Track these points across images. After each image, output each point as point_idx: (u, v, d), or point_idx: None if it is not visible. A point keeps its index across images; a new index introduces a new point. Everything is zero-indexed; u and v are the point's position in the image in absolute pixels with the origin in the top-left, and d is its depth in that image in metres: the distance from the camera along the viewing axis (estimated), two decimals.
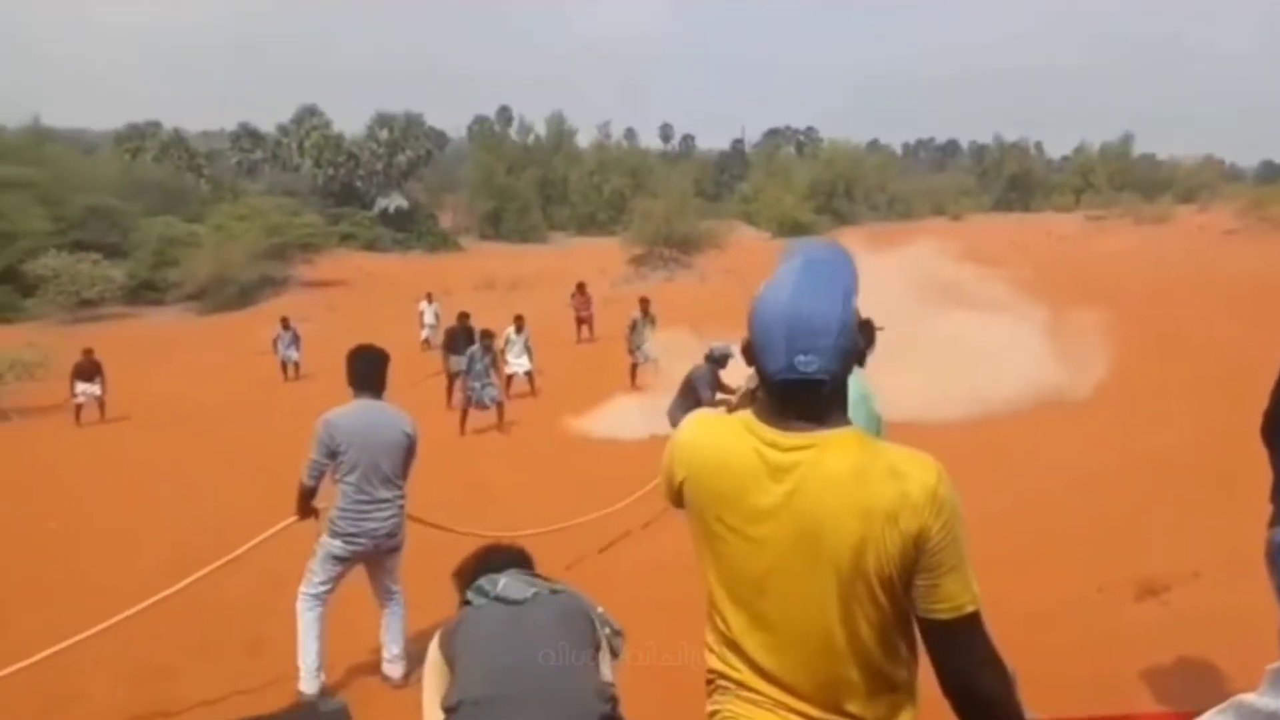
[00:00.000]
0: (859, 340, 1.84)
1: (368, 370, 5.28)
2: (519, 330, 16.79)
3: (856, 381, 1.93)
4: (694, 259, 38.71)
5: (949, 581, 1.69)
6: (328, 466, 5.16)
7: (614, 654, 3.01)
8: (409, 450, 5.30)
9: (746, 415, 1.86)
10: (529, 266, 42.63)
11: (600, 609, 3.08)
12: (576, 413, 14.18)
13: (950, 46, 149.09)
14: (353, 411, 5.19)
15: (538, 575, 3.22)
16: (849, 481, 1.72)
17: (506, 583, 3.03)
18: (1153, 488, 8.15)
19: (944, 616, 1.71)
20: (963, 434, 10.92)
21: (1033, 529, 7.44)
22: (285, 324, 21.73)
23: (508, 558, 3.26)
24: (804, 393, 1.76)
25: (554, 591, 3.06)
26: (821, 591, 1.75)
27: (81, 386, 17.93)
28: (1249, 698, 1.24)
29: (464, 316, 17.66)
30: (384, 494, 5.21)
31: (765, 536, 1.79)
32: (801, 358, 1.74)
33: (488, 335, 14.82)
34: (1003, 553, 6.12)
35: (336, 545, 5.16)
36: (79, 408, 17.78)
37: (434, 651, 2.90)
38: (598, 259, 41.09)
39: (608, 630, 3.02)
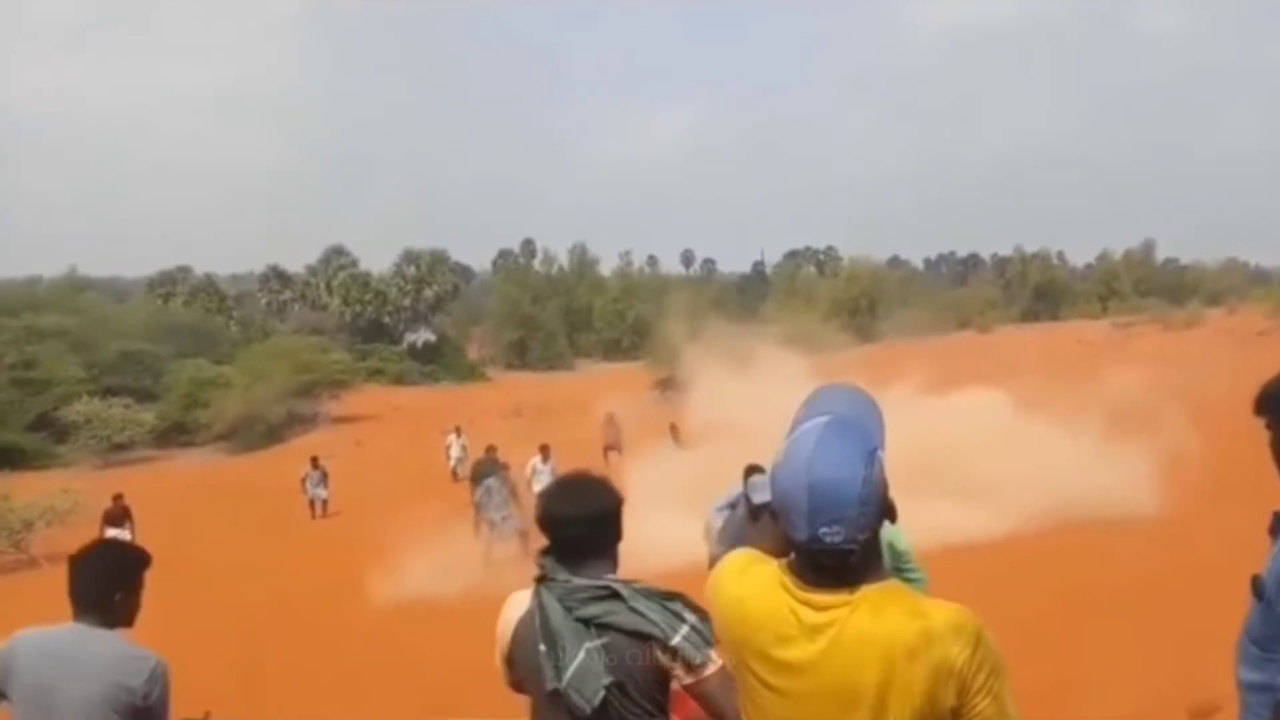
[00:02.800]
0: (889, 501, 1.80)
1: (89, 584, 3.28)
2: (545, 459, 16.46)
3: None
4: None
5: None
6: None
7: None
8: (130, 715, 3.03)
9: (781, 568, 1.83)
10: (556, 394, 42.62)
11: None
12: None
13: (966, 162, 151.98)
14: (47, 641, 3.15)
15: None
16: (878, 633, 1.70)
17: None
18: (1201, 601, 7.75)
19: None
20: (1002, 551, 10.79)
21: (1079, 646, 7.22)
22: (315, 463, 21.68)
23: None
24: (832, 561, 1.73)
25: None
26: None
27: (111, 532, 17.66)
28: None
29: (491, 450, 17.36)
30: None
31: (799, 692, 1.77)
32: (826, 529, 1.71)
33: (503, 466, 14.63)
34: (1048, 670, 5.95)
35: None
36: None
37: None
38: (624, 383, 41.05)
39: None
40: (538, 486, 16.09)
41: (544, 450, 16.69)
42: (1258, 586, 2.39)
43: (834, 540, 1.70)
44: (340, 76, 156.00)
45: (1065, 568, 10.16)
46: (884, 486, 1.77)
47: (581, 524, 2.55)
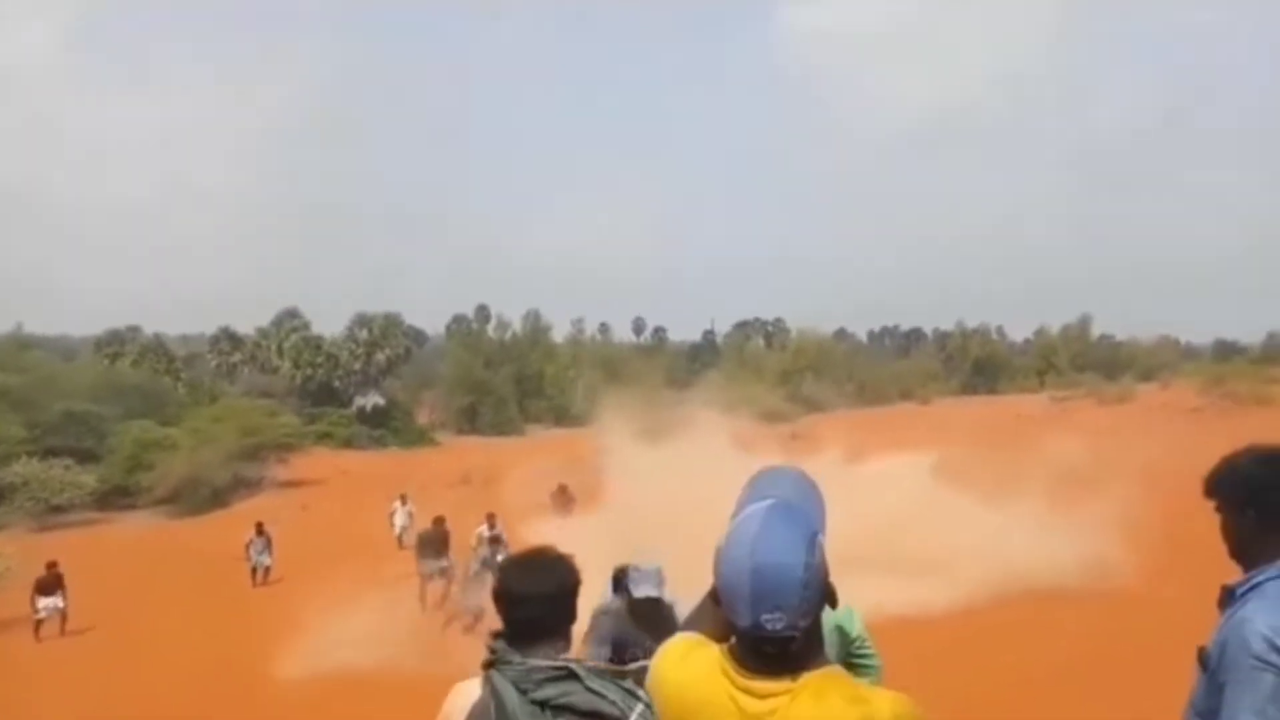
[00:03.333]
0: (830, 586, 1.80)
1: None
2: (491, 527, 16.74)
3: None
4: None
5: None
6: None
7: None
8: None
9: (722, 655, 1.83)
10: (505, 460, 42.71)
11: None
12: None
13: (911, 239, 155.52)
14: None
15: None
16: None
17: None
18: (1147, 674, 8.13)
19: None
20: (949, 625, 11.08)
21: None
22: (259, 529, 21.54)
23: None
24: (774, 648, 1.73)
25: None
26: None
27: (43, 602, 17.59)
28: None
29: (439, 521, 17.50)
30: None
31: None
32: (768, 616, 1.71)
33: (446, 535, 14.71)
34: None
35: None
36: (39, 623, 17.41)
37: None
38: (572, 449, 41.28)
39: None
40: (483, 552, 16.33)
41: (490, 519, 16.98)
42: (1203, 658, 2.46)
43: (776, 627, 1.70)
44: (298, 141, 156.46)
45: (1012, 642, 10.46)
46: (825, 571, 1.77)
47: (540, 603, 2.52)
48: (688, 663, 1.86)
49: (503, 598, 2.57)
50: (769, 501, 1.83)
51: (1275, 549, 2.47)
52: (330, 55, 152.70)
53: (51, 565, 18.05)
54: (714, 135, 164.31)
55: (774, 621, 1.70)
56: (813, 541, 1.77)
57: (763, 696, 1.74)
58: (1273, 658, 2.31)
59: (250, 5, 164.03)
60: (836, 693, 1.73)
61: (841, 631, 3.56)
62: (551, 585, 2.55)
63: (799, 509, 1.85)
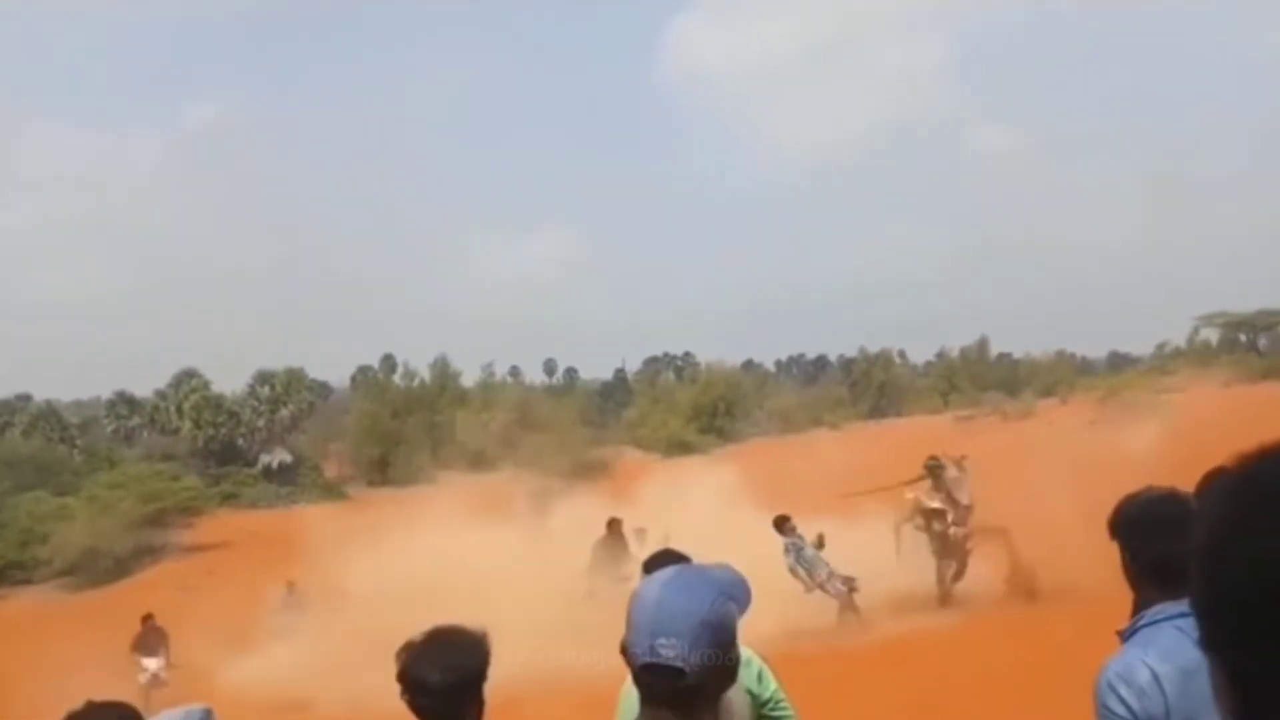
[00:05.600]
0: (732, 653, 1.79)
1: None
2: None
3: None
4: (584, 487, 38.96)
5: None
6: None
7: None
8: None
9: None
10: (418, 511, 41.99)
11: None
12: None
13: (812, 270, 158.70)
14: None
15: None
16: None
17: None
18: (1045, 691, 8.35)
19: None
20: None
21: None
22: (146, 623, 17.55)
23: None
24: (664, 682, 1.72)
25: None
26: None
27: (148, 662, 16.02)
28: None
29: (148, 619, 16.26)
30: None
31: None
32: (662, 641, 1.71)
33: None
34: None
35: None
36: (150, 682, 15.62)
37: None
38: (487, 496, 40.84)
39: None
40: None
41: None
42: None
43: (667, 654, 1.69)
44: (188, 199, 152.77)
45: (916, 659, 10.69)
46: (731, 634, 1.76)
47: (445, 693, 2.42)
48: None
49: (405, 681, 2.47)
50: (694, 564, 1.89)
51: (1154, 592, 2.52)
52: (226, 97, 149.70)
53: (147, 618, 16.27)
54: (618, 174, 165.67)
55: (667, 648, 1.69)
56: (725, 598, 1.77)
57: None
58: (1110, 700, 2.39)
59: (140, 51, 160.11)
60: None
61: (752, 695, 3.21)
62: (455, 675, 2.44)
63: (721, 574, 1.86)
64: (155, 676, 15.76)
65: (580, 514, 20.43)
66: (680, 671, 1.69)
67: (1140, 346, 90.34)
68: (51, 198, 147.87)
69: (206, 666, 15.52)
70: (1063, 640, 9.16)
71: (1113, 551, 2.69)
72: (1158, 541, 2.48)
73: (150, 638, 16.33)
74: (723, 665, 1.77)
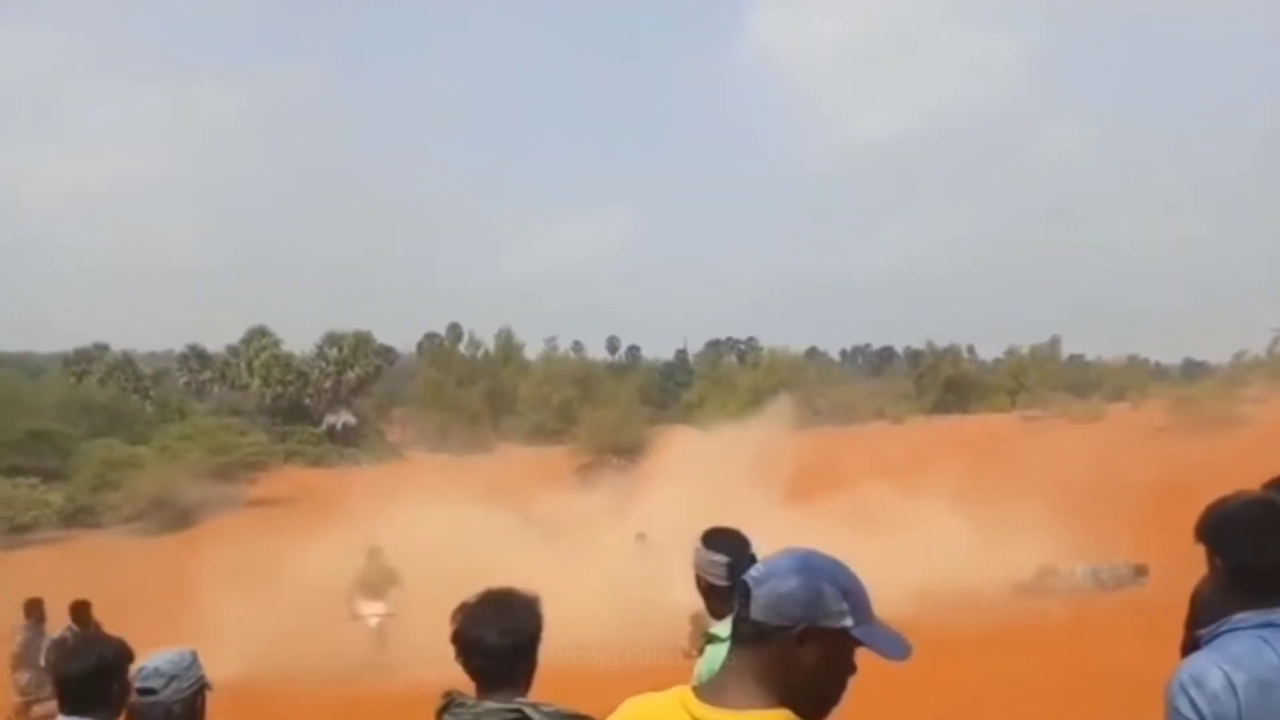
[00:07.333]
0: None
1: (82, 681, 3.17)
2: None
3: None
4: (641, 466, 39.01)
5: None
6: None
7: None
8: None
9: (685, 692, 1.76)
10: (475, 477, 42.46)
11: None
12: None
13: (879, 258, 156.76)
14: None
15: None
16: None
17: None
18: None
19: None
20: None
21: None
22: (31, 610, 13.38)
23: None
24: (739, 599, 1.72)
25: None
26: None
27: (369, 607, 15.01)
28: None
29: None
30: None
31: None
32: (754, 573, 1.71)
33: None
34: None
35: None
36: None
37: None
38: (545, 467, 41.16)
39: None
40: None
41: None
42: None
43: (752, 573, 1.70)
44: (266, 164, 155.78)
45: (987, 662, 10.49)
46: (809, 607, 1.66)
47: (502, 655, 2.43)
48: (644, 705, 1.80)
49: (462, 643, 2.47)
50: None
51: (1240, 602, 2.42)
52: (294, 69, 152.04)
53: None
54: (685, 155, 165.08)
55: (752, 576, 1.69)
56: (816, 575, 1.68)
57: None
58: (1179, 703, 2.32)
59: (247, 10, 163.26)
60: None
61: None
62: (510, 638, 2.45)
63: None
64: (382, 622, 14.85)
65: (623, 493, 20.39)
66: (745, 593, 1.71)
67: (1218, 355, 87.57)
68: (135, 154, 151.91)
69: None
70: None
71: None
72: (1249, 547, 2.42)
73: (376, 579, 15.26)
74: (782, 634, 1.71)
